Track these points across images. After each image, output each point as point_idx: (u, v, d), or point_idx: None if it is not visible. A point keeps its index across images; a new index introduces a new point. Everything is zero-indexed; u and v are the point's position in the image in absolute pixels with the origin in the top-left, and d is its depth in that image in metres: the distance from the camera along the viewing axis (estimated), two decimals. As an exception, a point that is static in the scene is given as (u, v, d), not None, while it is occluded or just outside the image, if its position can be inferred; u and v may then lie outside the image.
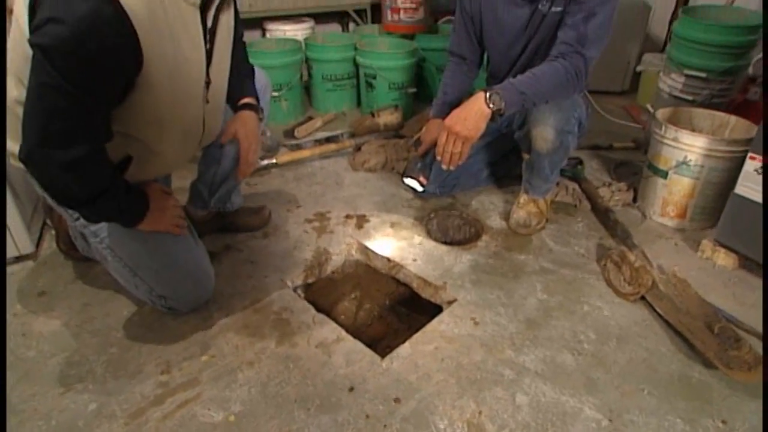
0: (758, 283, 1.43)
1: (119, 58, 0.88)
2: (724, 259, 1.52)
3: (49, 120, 0.89)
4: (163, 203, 1.19)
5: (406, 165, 1.83)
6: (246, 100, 1.35)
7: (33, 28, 0.85)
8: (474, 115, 1.32)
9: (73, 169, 0.93)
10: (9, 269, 1.44)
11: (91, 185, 0.98)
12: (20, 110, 0.98)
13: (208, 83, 1.13)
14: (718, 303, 1.33)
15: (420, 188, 1.71)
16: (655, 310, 1.31)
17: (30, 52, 0.86)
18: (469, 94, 1.44)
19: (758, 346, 1.19)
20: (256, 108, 1.36)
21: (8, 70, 1.03)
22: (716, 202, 1.60)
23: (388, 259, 1.50)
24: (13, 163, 1.13)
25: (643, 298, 1.35)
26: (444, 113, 1.47)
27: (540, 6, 1.46)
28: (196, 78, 1.09)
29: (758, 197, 1.38)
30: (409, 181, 1.72)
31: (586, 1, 1.35)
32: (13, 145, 1.10)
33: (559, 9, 1.43)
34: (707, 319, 1.27)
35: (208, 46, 1.08)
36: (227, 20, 1.15)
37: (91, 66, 0.85)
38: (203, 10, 1.04)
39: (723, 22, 2.03)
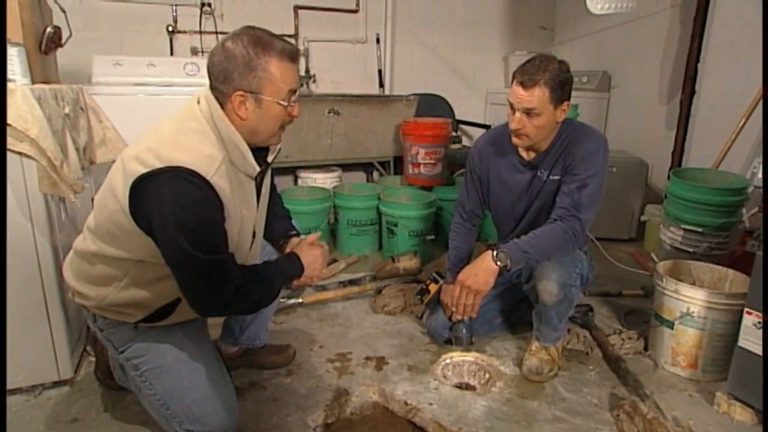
0: (779, 440, 1.43)
1: (217, 219, 1.13)
2: (741, 413, 1.52)
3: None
4: (314, 256, 1.39)
5: (423, 310, 1.96)
6: (294, 233, 1.58)
7: (155, 210, 1.08)
8: (483, 271, 1.49)
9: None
10: (46, 394, 1.54)
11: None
12: (92, 259, 1.21)
13: (254, 234, 1.34)
14: (737, 461, 1.33)
15: (469, 344, 1.80)
16: (671, 466, 1.31)
17: (123, 221, 1.11)
18: (486, 242, 1.61)
19: None
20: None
21: (88, 226, 1.25)
22: (726, 353, 1.64)
23: (405, 402, 1.55)
24: (77, 301, 1.30)
25: (658, 452, 1.36)
26: None
27: (539, 173, 1.69)
28: (249, 230, 1.31)
29: (761, 350, 1.44)
30: (458, 347, 1.81)
31: (579, 174, 1.58)
32: (78, 285, 1.28)
33: (556, 177, 1.65)
34: (725, 478, 1.26)
35: (258, 203, 1.32)
36: (267, 181, 1.40)
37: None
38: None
39: (710, 184, 2.25)
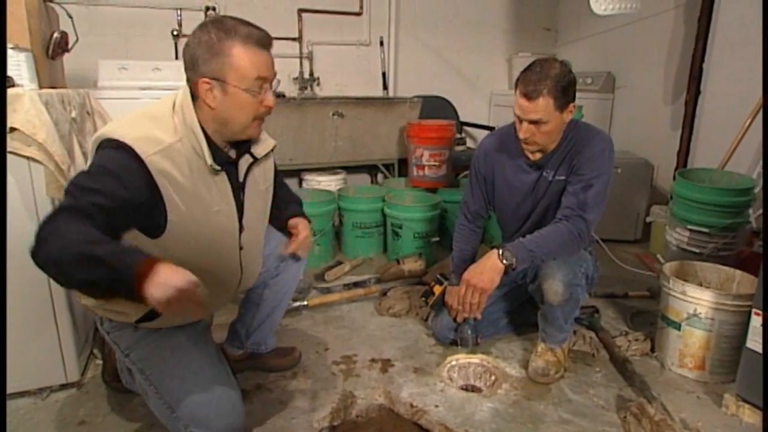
0: (787, 442, 1.42)
1: (119, 188, 1.03)
2: (750, 415, 1.51)
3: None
4: (173, 274, 0.91)
5: (428, 312, 1.96)
6: (298, 214, 1.55)
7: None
8: (489, 269, 1.50)
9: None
10: (54, 396, 1.55)
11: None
12: None
13: (241, 230, 1.32)
14: (746, 463, 1.32)
15: (474, 345, 1.82)
16: (679, 468, 1.30)
17: None
18: (490, 244, 1.61)
19: None
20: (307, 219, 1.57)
21: None
22: (733, 355, 1.63)
23: (411, 405, 1.55)
24: (83, 302, 1.31)
25: (666, 454, 1.35)
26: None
27: (544, 173, 1.69)
28: (229, 227, 1.27)
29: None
30: (464, 349, 1.82)
31: (584, 174, 1.58)
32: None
33: (562, 178, 1.65)
34: (734, 480, 1.25)
35: (242, 197, 1.29)
36: (262, 173, 1.36)
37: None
38: (230, 170, 1.25)
39: (716, 185, 2.24)
